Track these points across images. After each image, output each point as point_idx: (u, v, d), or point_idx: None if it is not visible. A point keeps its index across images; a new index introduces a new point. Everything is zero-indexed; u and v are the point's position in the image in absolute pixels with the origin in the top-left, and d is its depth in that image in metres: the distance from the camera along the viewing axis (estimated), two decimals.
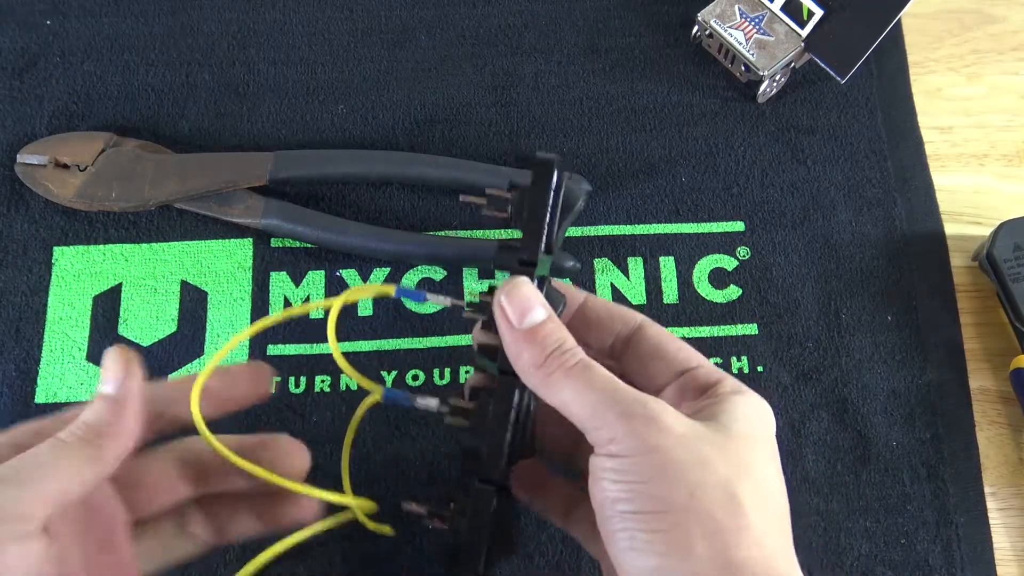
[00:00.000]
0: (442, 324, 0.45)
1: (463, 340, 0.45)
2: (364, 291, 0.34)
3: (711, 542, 0.26)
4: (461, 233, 0.47)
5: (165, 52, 0.51)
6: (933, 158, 0.51)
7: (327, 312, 0.38)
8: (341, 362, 0.33)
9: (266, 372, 0.34)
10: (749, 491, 0.27)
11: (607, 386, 0.29)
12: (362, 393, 0.44)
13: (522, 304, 0.30)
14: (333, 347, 0.33)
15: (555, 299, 0.33)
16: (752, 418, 0.30)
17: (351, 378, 0.32)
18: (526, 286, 0.30)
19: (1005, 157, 0.51)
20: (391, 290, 0.33)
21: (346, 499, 0.34)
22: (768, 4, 0.50)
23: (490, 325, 0.31)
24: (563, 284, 0.34)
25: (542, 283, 0.32)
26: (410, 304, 0.46)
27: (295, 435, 0.43)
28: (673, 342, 0.33)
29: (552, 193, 0.31)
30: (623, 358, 0.34)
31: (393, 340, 0.45)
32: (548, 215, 0.31)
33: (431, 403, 0.33)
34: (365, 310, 0.46)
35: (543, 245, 0.31)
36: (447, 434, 0.43)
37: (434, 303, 0.33)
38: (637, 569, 0.27)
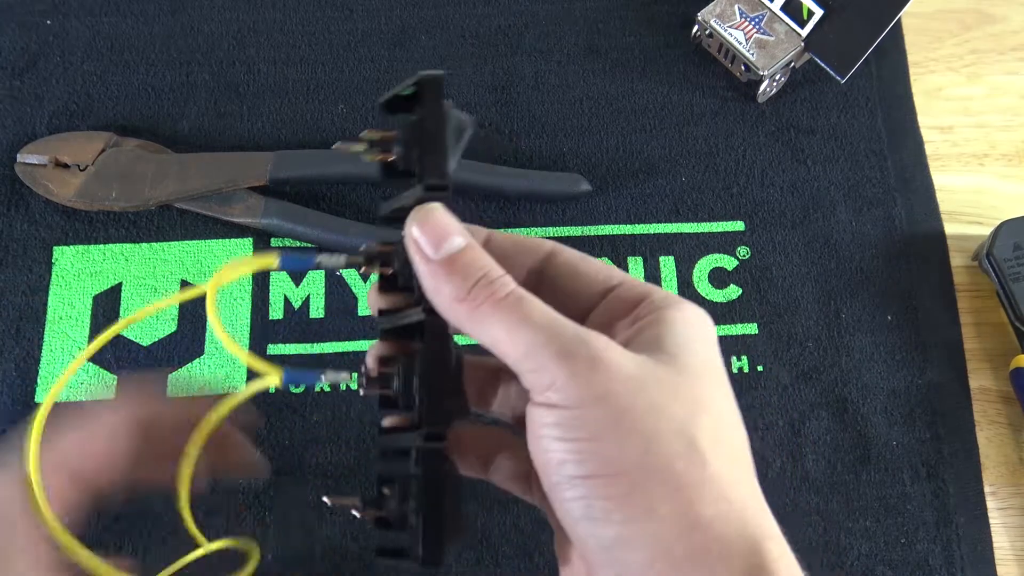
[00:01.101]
0: None
1: (463, 340, 0.45)
2: (242, 267, 0.29)
3: (674, 502, 0.24)
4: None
5: (165, 52, 0.51)
6: (933, 158, 0.51)
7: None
8: (232, 347, 0.29)
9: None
10: (708, 433, 0.25)
11: (544, 320, 0.25)
12: (371, 400, 0.44)
13: (437, 231, 0.26)
14: (220, 335, 0.27)
15: None
16: (695, 338, 0.27)
17: (247, 363, 0.29)
18: (439, 211, 0.27)
19: (1005, 157, 0.51)
20: (273, 261, 0.28)
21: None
22: (768, 4, 0.50)
23: (389, 283, 0.28)
24: (465, 224, 0.31)
25: None
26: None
27: (295, 435, 0.43)
28: (589, 263, 0.30)
29: (445, 112, 0.27)
30: (539, 290, 0.29)
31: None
32: (447, 135, 0.27)
33: (341, 375, 0.28)
34: (365, 310, 0.46)
35: (450, 165, 0.27)
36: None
37: (328, 265, 0.29)
38: (595, 539, 0.24)
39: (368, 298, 0.30)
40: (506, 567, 0.41)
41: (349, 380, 0.28)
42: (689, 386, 0.25)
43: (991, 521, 0.43)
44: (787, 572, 0.24)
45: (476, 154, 0.49)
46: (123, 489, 0.30)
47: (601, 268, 0.30)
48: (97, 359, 0.44)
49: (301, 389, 0.44)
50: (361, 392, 0.28)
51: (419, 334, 0.28)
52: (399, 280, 0.28)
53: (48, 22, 0.51)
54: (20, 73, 0.50)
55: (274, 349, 0.44)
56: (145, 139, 0.48)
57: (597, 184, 0.48)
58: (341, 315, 0.45)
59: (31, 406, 0.43)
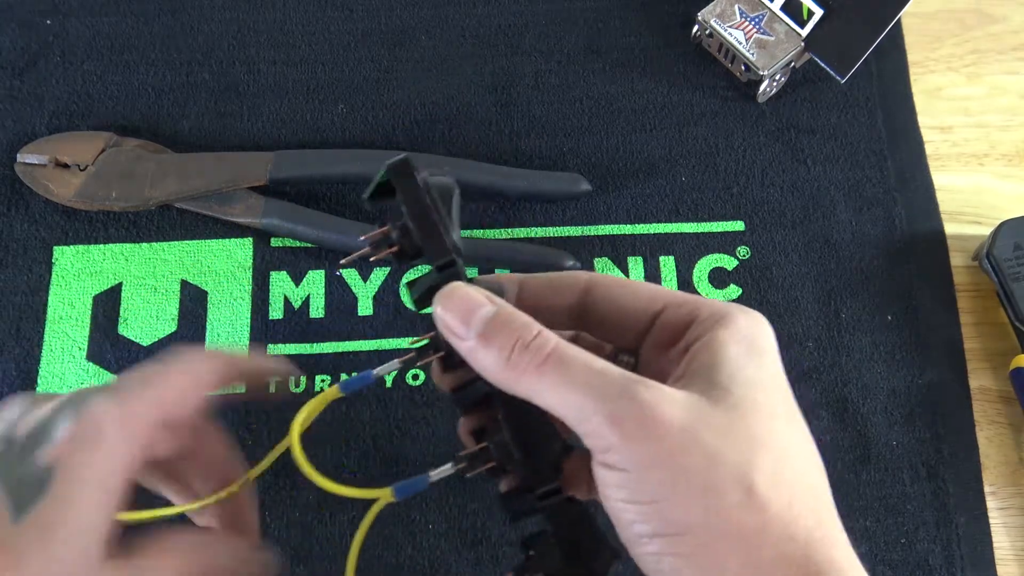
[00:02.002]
0: None
1: None
2: (314, 406, 0.30)
3: (740, 553, 0.24)
4: (461, 232, 0.47)
5: (165, 52, 0.51)
6: (933, 158, 0.51)
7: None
8: (319, 479, 0.30)
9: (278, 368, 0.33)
10: (767, 475, 0.24)
11: (588, 380, 0.25)
12: (365, 393, 0.44)
13: (462, 309, 0.26)
14: (310, 473, 0.29)
15: (497, 292, 0.29)
16: (749, 360, 0.26)
17: (347, 495, 0.30)
18: (459, 289, 0.27)
19: (1005, 157, 0.51)
20: (336, 392, 0.30)
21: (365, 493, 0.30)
22: (768, 4, 0.50)
23: (448, 362, 0.28)
24: (494, 275, 0.31)
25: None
26: (408, 304, 0.46)
27: None
28: (628, 289, 0.29)
29: (424, 189, 0.28)
30: (584, 326, 0.30)
31: (393, 340, 0.45)
32: (435, 210, 0.28)
33: (446, 469, 0.29)
34: (365, 310, 0.45)
35: (450, 239, 0.28)
36: (448, 434, 0.43)
37: (385, 373, 0.30)
38: None
39: (434, 377, 0.30)
40: (506, 567, 0.41)
41: (455, 467, 0.29)
42: (745, 424, 0.25)
43: (991, 521, 0.43)
44: None
45: (476, 155, 0.49)
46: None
47: (641, 292, 0.29)
48: (97, 359, 0.44)
49: (301, 388, 0.44)
50: (466, 475, 0.29)
51: (497, 401, 0.28)
52: (454, 357, 0.28)
53: (48, 22, 0.51)
54: (20, 73, 0.50)
55: (274, 349, 0.44)
56: (145, 139, 0.48)
57: (597, 184, 0.48)
58: (341, 315, 0.45)
59: None
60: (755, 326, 0.27)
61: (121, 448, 0.26)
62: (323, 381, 0.44)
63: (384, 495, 0.29)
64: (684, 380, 0.26)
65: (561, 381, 0.25)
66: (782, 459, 0.25)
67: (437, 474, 0.29)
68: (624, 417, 0.24)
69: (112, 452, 0.25)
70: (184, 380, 0.28)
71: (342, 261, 0.30)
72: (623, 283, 0.29)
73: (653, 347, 0.29)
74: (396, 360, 0.29)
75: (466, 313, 0.26)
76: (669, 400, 0.25)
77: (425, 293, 0.28)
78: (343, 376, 0.44)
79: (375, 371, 0.30)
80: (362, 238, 0.29)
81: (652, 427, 0.24)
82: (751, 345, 0.27)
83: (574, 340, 0.27)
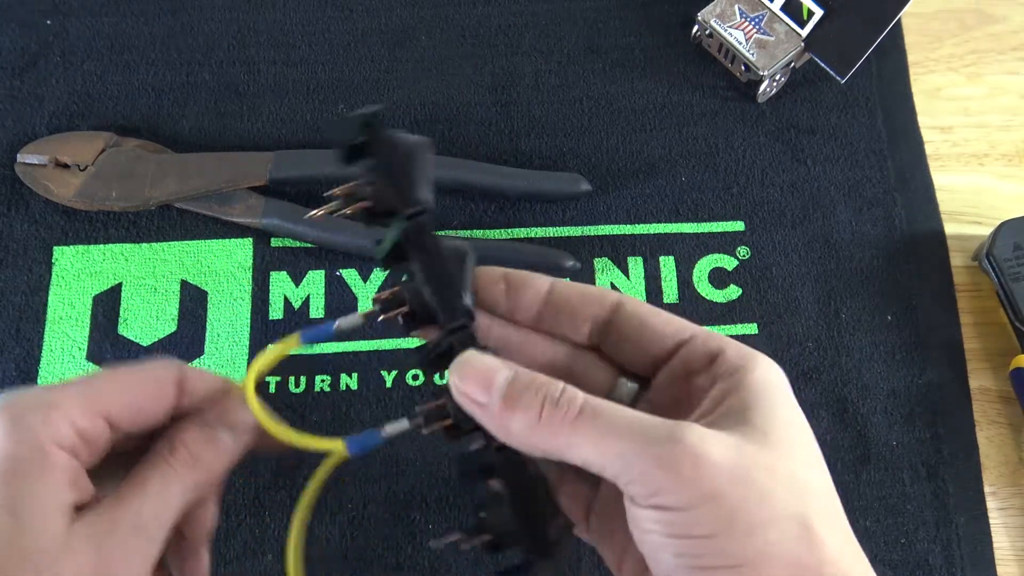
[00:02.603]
0: None
1: None
2: (274, 354, 0.30)
3: None
4: (461, 232, 0.47)
5: (165, 52, 0.51)
6: (933, 158, 0.51)
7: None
8: (272, 426, 0.29)
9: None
10: (819, 513, 0.25)
11: (629, 428, 0.25)
12: (363, 392, 0.44)
13: (480, 377, 0.26)
14: (261, 417, 0.29)
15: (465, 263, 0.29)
16: (780, 403, 0.27)
17: (304, 446, 0.29)
18: (474, 356, 0.27)
19: (1005, 157, 0.51)
20: (296, 342, 0.30)
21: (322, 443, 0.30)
22: (768, 4, 0.50)
23: (452, 433, 0.28)
24: (525, 273, 0.31)
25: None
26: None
27: None
28: (657, 316, 0.30)
29: (440, 251, 0.28)
30: (606, 343, 0.30)
31: (393, 340, 0.45)
32: (448, 273, 0.28)
33: (401, 424, 0.29)
34: (365, 310, 0.45)
35: (463, 303, 0.28)
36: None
37: (346, 326, 0.30)
38: None
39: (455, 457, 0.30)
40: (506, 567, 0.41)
41: (412, 423, 0.29)
42: (789, 466, 0.25)
43: (991, 521, 0.43)
44: None
45: (477, 154, 0.49)
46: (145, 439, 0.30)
47: (670, 320, 0.29)
48: (97, 359, 0.44)
49: (301, 389, 0.44)
50: (423, 431, 0.28)
51: (497, 473, 0.28)
52: (462, 426, 0.28)
53: (48, 22, 0.51)
54: (20, 73, 0.50)
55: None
56: (145, 139, 0.48)
57: (597, 184, 0.48)
58: (341, 315, 0.45)
59: None
60: (778, 372, 0.28)
61: (62, 426, 0.26)
62: (323, 381, 0.44)
63: (337, 447, 0.29)
64: (718, 421, 0.26)
65: (599, 432, 0.25)
66: (828, 503, 0.26)
67: (391, 428, 0.29)
68: (673, 459, 0.24)
69: (56, 427, 0.26)
70: (134, 394, 0.28)
71: (310, 214, 0.30)
72: (653, 308, 0.30)
73: (670, 376, 0.29)
74: (405, 420, 0.29)
75: (486, 380, 0.26)
76: (714, 441, 0.25)
77: (437, 358, 0.28)
78: (343, 376, 0.44)
79: (337, 323, 0.30)
80: (330, 192, 0.29)
81: (703, 467, 0.24)
82: (778, 391, 0.27)
83: (570, 366, 0.27)
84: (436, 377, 0.44)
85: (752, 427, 0.26)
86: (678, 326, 0.29)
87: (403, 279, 0.29)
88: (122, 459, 0.29)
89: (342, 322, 0.29)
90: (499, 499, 0.28)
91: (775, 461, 0.25)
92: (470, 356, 0.27)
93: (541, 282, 0.30)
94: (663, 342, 0.29)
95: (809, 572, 0.24)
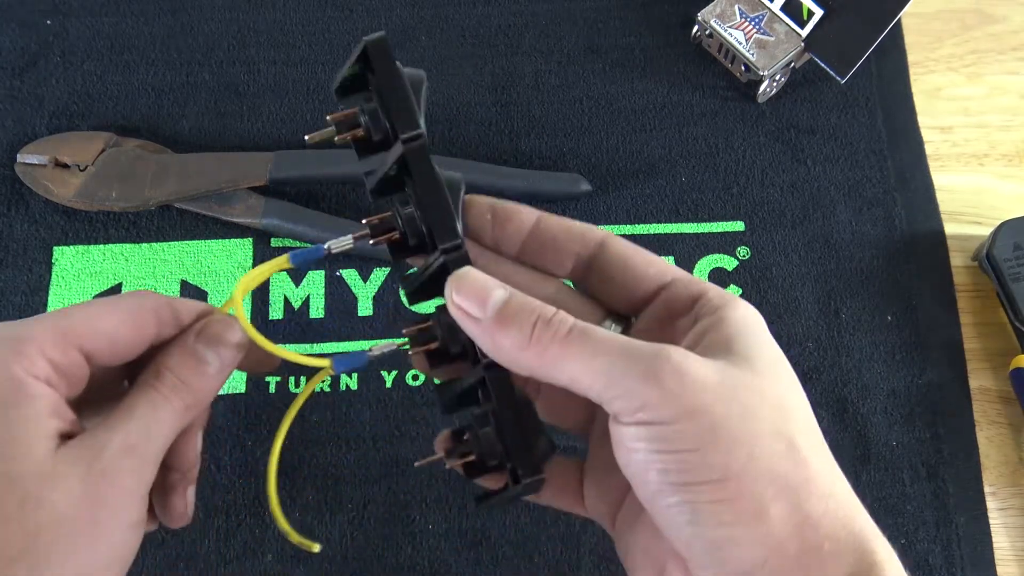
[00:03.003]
0: None
1: None
2: (263, 270, 0.30)
3: (784, 501, 0.24)
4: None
5: (165, 52, 0.51)
6: (933, 158, 0.51)
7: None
8: (261, 340, 0.29)
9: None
10: (803, 434, 0.25)
11: (617, 346, 0.25)
12: (362, 392, 0.44)
13: (477, 292, 0.26)
14: (255, 335, 0.29)
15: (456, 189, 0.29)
16: (761, 339, 0.27)
17: (293, 360, 0.29)
18: (471, 273, 0.27)
19: (1005, 157, 0.51)
20: (286, 262, 0.30)
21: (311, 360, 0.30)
22: (768, 4, 0.50)
23: (438, 357, 0.29)
24: (513, 205, 0.31)
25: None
26: (406, 302, 0.46)
27: (295, 435, 0.43)
28: (641, 256, 0.30)
29: (437, 175, 0.28)
30: (590, 281, 0.30)
31: (393, 340, 0.45)
32: (445, 196, 0.28)
33: (387, 346, 0.30)
34: (365, 310, 0.46)
35: (459, 222, 0.28)
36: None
37: (338, 248, 0.29)
38: (703, 542, 0.24)
39: (416, 366, 0.30)
40: (506, 567, 0.41)
41: (400, 347, 0.29)
42: (772, 389, 0.26)
43: (991, 521, 0.43)
44: (896, 574, 0.25)
45: (476, 154, 0.49)
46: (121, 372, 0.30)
47: (653, 262, 0.30)
48: None
49: (301, 389, 0.44)
50: (410, 354, 0.29)
51: (482, 394, 0.28)
52: (450, 350, 0.28)
53: (48, 22, 0.51)
54: (20, 73, 0.50)
55: None
56: (145, 139, 0.48)
57: (597, 184, 0.48)
58: (341, 315, 0.45)
59: None
60: (757, 314, 0.28)
61: (35, 359, 0.26)
62: (323, 381, 0.44)
63: (325, 365, 0.29)
64: (701, 349, 0.26)
65: (588, 350, 0.25)
66: (809, 426, 0.26)
67: (377, 350, 0.29)
68: (658, 373, 0.24)
69: (31, 357, 0.26)
70: (109, 324, 0.28)
71: (308, 136, 0.30)
72: (637, 248, 0.30)
73: (652, 317, 0.29)
74: (392, 341, 0.30)
75: (481, 295, 0.26)
76: (700, 361, 0.25)
77: (427, 281, 0.28)
78: (343, 376, 0.44)
79: (327, 244, 0.30)
80: (328, 117, 0.29)
81: (688, 382, 0.24)
82: (760, 328, 0.28)
83: (555, 302, 0.28)
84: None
85: (736, 355, 0.26)
86: (660, 268, 0.29)
87: (397, 205, 0.29)
88: (110, 396, 0.29)
89: (332, 244, 0.30)
90: (485, 420, 0.28)
91: (759, 383, 0.26)
92: (468, 270, 0.27)
93: (528, 214, 0.30)
94: (645, 283, 0.29)
95: (794, 488, 0.24)
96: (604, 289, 0.30)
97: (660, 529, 0.26)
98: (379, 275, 0.46)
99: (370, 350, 0.29)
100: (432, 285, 0.29)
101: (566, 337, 0.25)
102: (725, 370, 0.25)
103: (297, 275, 0.46)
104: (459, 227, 0.28)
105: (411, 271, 0.30)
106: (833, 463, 0.26)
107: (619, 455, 0.26)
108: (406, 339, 0.29)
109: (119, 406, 0.28)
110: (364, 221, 0.29)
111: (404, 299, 0.46)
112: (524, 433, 0.28)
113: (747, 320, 0.28)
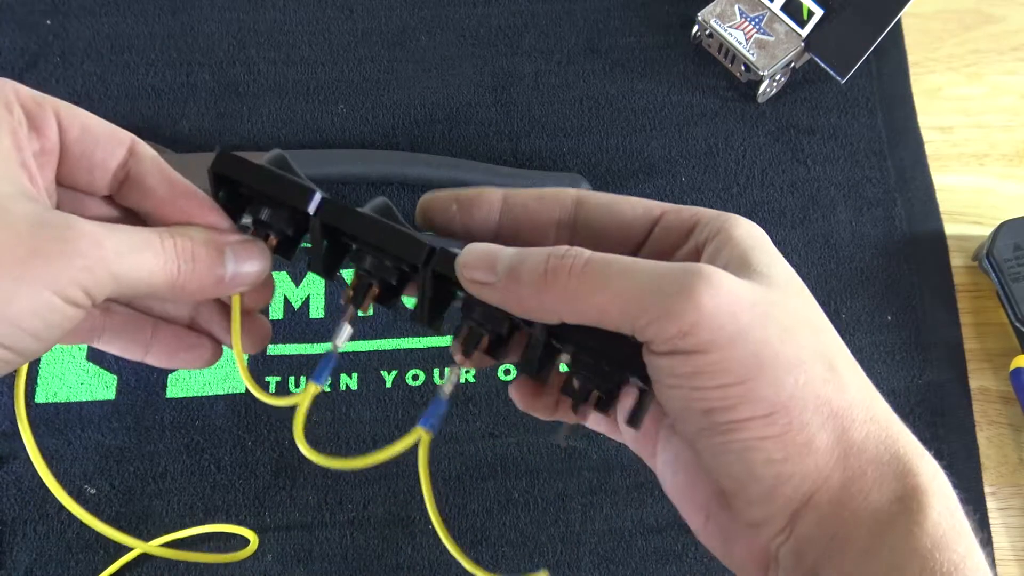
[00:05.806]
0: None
1: None
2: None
3: (829, 430, 0.23)
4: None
5: (165, 52, 0.51)
6: (933, 158, 0.51)
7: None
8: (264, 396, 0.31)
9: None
10: (838, 353, 0.24)
11: (644, 268, 0.23)
12: (362, 392, 0.44)
13: (484, 258, 0.25)
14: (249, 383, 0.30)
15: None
16: (771, 252, 0.26)
17: (395, 450, 0.30)
18: (473, 246, 0.26)
19: (1005, 157, 0.51)
20: (313, 391, 0.30)
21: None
22: (768, 4, 0.50)
23: (496, 344, 0.28)
24: (476, 188, 0.30)
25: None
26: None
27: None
28: (623, 202, 0.28)
29: (357, 212, 0.28)
30: (575, 241, 0.28)
31: (393, 340, 0.45)
32: (386, 221, 0.27)
33: (455, 375, 0.29)
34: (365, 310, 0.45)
35: (417, 236, 0.28)
36: (448, 434, 0.43)
37: (450, 385, 0.29)
38: (754, 480, 0.23)
39: (514, 397, 0.30)
40: (506, 567, 0.41)
41: (460, 369, 0.28)
42: (799, 306, 0.25)
43: (991, 521, 0.43)
44: (941, 494, 0.23)
45: (476, 154, 0.49)
46: None
47: (637, 203, 0.28)
48: (97, 359, 0.44)
49: (301, 389, 0.44)
50: (587, 415, 0.29)
51: (558, 343, 0.27)
52: (501, 333, 0.28)
53: (48, 22, 0.51)
54: (20, 73, 0.50)
55: (274, 349, 0.44)
56: (145, 139, 0.48)
57: (597, 184, 0.48)
58: (341, 315, 0.45)
59: (32, 406, 0.43)
60: (761, 230, 0.27)
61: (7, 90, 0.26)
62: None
63: (420, 436, 0.30)
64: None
65: (612, 275, 0.23)
66: (844, 346, 0.25)
67: (450, 386, 0.29)
68: (695, 290, 0.22)
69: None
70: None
71: (333, 346, 0.30)
72: (615, 196, 0.29)
73: (652, 254, 0.28)
74: (454, 368, 0.29)
75: (489, 260, 0.25)
76: (731, 277, 0.23)
77: (433, 298, 0.28)
78: (343, 377, 0.44)
79: (335, 344, 0.30)
80: (341, 301, 0.29)
81: (728, 302, 0.22)
82: (768, 243, 0.27)
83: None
84: (436, 378, 0.44)
85: (756, 272, 0.24)
86: (646, 205, 0.28)
87: (354, 265, 0.29)
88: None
89: (338, 341, 0.30)
90: (579, 362, 0.27)
91: (789, 301, 0.24)
92: (469, 247, 0.26)
93: (492, 194, 0.29)
94: (635, 225, 0.28)
95: (838, 414, 0.23)
96: (596, 244, 0.28)
97: (709, 470, 0.25)
98: None
99: (443, 387, 0.29)
100: (439, 300, 0.28)
101: (584, 268, 0.24)
102: (756, 290, 0.23)
103: (297, 275, 0.46)
104: (421, 236, 0.27)
105: (410, 305, 0.29)
106: (869, 383, 0.25)
107: (658, 392, 0.24)
108: (459, 354, 0.28)
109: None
110: (342, 300, 0.29)
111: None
112: (609, 346, 0.26)
113: (754, 235, 0.26)
